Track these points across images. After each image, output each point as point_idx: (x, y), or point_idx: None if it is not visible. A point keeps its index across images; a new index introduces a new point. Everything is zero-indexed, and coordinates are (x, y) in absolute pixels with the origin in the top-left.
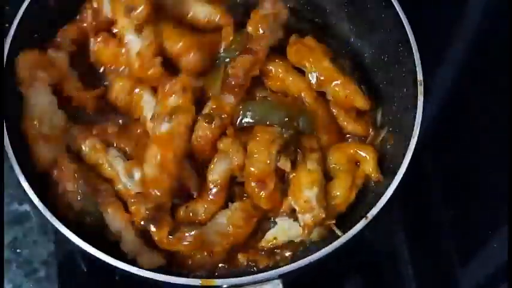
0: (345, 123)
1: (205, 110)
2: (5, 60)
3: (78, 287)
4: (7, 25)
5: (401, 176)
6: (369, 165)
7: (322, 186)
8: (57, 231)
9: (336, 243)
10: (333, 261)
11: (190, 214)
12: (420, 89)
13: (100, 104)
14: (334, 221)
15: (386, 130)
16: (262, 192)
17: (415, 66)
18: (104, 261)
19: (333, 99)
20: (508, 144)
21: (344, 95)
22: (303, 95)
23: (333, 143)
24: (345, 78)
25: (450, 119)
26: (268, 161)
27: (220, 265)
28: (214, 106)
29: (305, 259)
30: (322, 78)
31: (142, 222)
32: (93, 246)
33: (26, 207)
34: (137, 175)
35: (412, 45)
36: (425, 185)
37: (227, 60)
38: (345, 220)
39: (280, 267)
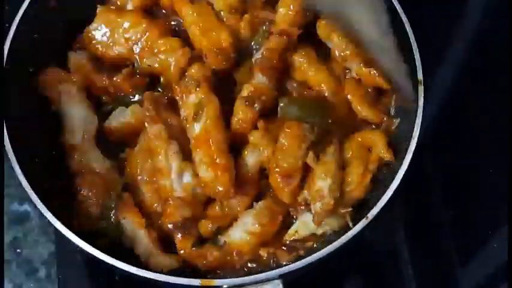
0: (359, 108)
1: (244, 93)
2: (5, 60)
3: (78, 287)
4: (7, 25)
5: (401, 176)
6: (379, 147)
7: (337, 178)
8: (57, 231)
9: (336, 243)
10: (333, 261)
11: (226, 209)
12: (420, 89)
13: (135, 82)
14: (350, 209)
15: (399, 119)
16: (287, 187)
17: (415, 66)
18: (104, 261)
19: (357, 75)
20: (508, 144)
21: (368, 71)
22: (323, 87)
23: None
24: (369, 55)
25: (450, 119)
26: (298, 157)
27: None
28: (252, 89)
29: (305, 259)
30: (348, 52)
31: (170, 226)
32: (93, 246)
33: (26, 207)
34: (186, 179)
35: (412, 45)
36: (426, 185)
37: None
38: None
39: (280, 267)
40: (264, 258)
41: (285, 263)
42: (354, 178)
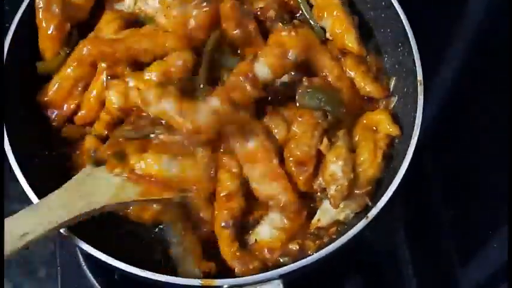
0: (362, 84)
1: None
2: (5, 60)
3: (78, 287)
4: (7, 25)
5: (401, 176)
6: (384, 123)
7: (348, 160)
8: (57, 231)
9: (336, 243)
10: (333, 261)
11: None
12: (420, 89)
13: None
14: (369, 188)
15: (397, 97)
16: (301, 175)
17: (415, 66)
18: (104, 261)
19: (330, 36)
20: (508, 144)
21: (339, 30)
22: (326, 72)
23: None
24: (343, 14)
25: (450, 119)
26: (312, 145)
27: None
28: None
29: (305, 259)
30: (323, 5)
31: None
32: (93, 246)
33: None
34: None
35: (412, 45)
36: (425, 185)
37: None
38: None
39: (280, 267)
40: (295, 250)
41: (309, 253)
42: (365, 157)
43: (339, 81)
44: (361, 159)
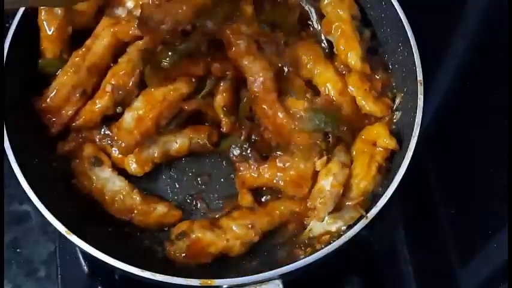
0: (363, 102)
1: None
2: (5, 60)
3: (78, 287)
4: (7, 25)
5: (401, 176)
6: (382, 137)
7: (339, 175)
8: (57, 231)
9: (336, 243)
10: (333, 261)
11: None
12: (420, 89)
13: None
14: (361, 199)
15: (401, 112)
16: (297, 195)
17: (415, 66)
18: (104, 261)
19: (336, 51)
20: (508, 144)
21: (343, 47)
22: (329, 87)
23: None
24: (350, 30)
25: (450, 119)
26: (308, 166)
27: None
28: None
29: (305, 259)
30: (332, 19)
31: None
32: (93, 246)
33: (26, 207)
34: None
35: (412, 45)
36: (426, 185)
37: None
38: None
39: (280, 267)
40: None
41: (302, 257)
42: (360, 170)
43: (341, 96)
44: (355, 172)
